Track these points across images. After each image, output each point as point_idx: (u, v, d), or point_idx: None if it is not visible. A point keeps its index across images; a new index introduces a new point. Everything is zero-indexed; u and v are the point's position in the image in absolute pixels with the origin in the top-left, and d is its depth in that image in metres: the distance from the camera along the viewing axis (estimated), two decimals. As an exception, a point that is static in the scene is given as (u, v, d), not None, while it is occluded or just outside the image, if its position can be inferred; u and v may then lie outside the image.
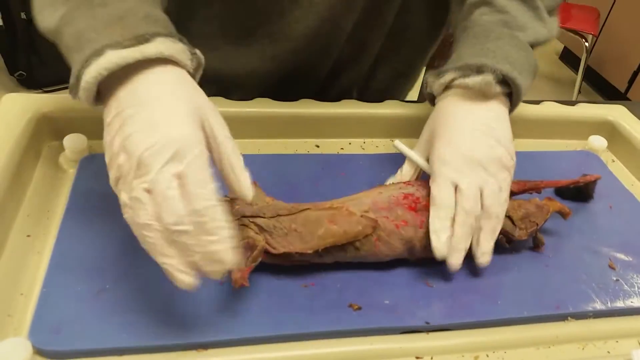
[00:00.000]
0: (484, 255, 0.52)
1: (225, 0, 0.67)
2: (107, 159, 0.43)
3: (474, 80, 0.56)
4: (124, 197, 0.41)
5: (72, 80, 0.44)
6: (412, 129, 0.72)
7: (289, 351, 0.46)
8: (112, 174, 0.43)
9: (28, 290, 0.48)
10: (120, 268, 0.49)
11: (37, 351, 0.43)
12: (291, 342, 0.46)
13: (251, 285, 0.49)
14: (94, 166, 0.59)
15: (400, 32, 0.75)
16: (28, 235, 0.52)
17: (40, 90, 2.24)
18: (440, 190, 0.52)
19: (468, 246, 0.52)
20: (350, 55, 0.74)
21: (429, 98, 0.63)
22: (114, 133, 0.42)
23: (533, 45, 0.62)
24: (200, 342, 0.45)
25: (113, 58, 0.42)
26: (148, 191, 0.40)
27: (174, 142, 0.40)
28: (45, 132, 0.61)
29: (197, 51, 0.48)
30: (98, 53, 0.42)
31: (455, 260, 0.51)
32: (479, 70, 0.56)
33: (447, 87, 0.59)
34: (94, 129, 0.61)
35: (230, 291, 0.48)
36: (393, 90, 0.85)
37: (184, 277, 0.40)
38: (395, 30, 0.74)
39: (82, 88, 0.43)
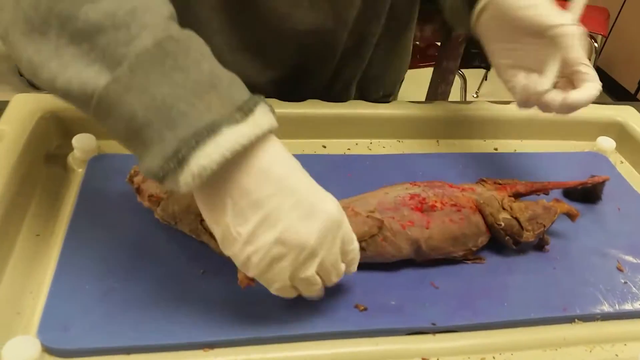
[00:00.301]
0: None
1: (225, 15, 0.66)
2: (238, 251, 0.41)
3: None
4: (280, 283, 0.42)
5: (163, 162, 0.36)
6: (419, 129, 0.73)
7: (294, 351, 0.46)
8: (257, 266, 0.41)
9: (37, 288, 0.48)
10: (128, 267, 0.50)
11: (46, 349, 0.43)
12: (297, 343, 0.47)
13: (257, 285, 0.49)
14: (102, 166, 0.59)
15: (395, 17, 0.75)
16: (37, 235, 0.52)
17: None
18: None
19: None
20: (352, 49, 0.74)
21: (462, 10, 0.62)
22: (254, 226, 0.39)
23: None
24: (206, 341, 0.45)
25: (234, 137, 0.36)
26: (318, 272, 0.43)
27: (335, 221, 0.41)
28: (55, 132, 0.62)
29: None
30: (211, 131, 0.36)
31: None
32: None
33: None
34: (103, 129, 0.62)
35: (237, 291, 0.48)
36: (391, 74, 0.85)
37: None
38: (391, 16, 0.74)
39: (195, 175, 0.36)
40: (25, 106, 0.60)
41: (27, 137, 0.56)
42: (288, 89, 0.74)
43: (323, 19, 0.67)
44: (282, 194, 0.39)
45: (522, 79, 0.57)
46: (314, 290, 0.45)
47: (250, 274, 0.42)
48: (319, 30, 0.68)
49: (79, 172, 0.59)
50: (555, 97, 0.55)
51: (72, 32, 0.36)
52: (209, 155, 0.35)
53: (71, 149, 0.61)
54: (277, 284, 0.42)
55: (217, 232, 0.41)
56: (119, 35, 0.36)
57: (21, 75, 2.26)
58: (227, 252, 0.42)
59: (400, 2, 0.75)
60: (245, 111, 0.37)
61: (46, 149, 0.61)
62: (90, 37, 0.36)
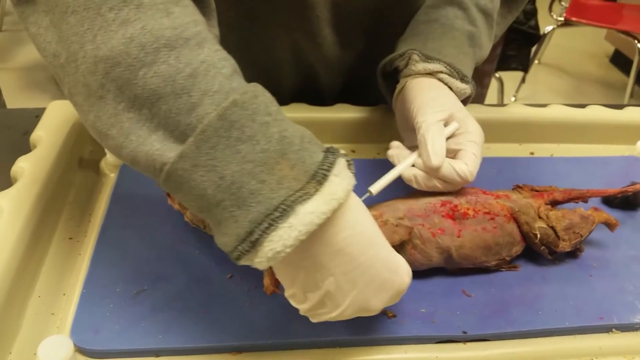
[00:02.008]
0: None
1: (239, 32, 0.66)
2: (305, 310, 0.41)
3: (457, 85, 0.58)
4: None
5: (235, 244, 0.35)
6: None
7: (323, 357, 0.46)
8: (319, 319, 0.42)
9: (70, 290, 0.49)
10: (158, 270, 0.50)
11: (78, 349, 0.44)
12: (325, 349, 0.46)
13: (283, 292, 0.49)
14: (134, 171, 0.60)
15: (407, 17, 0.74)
16: (70, 238, 0.54)
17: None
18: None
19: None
20: (363, 74, 0.73)
21: (385, 70, 0.63)
22: (324, 295, 0.40)
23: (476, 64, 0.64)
24: (235, 345, 0.45)
25: (309, 218, 0.35)
26: None
27: (402, 291, 0.42)
28: (88, 138, 0.63)
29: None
30: (284, 212, 0.34)
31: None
32: (464, 79, 0.59)
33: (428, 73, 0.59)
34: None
35: (265, 295, 0.48)
36: None
37: None
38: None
39: (269, 258, 0.35)
40: (61, 113, 0.62)
41: (61, 143, 0.58)
42: (306, 91, 0.74)
43: (332, 50, 0.68)
44: (358, 271, 0.39)
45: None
46: None
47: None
48: (327, 58, 0.69)
49: (111, 176, 0.61)
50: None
51: (131, 98, 0.35)
52: (282, 238, 0.34)
53: (104, 154, 0.62)
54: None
55: (287, 291, 0.41)
56: (180, 102, 0.35)
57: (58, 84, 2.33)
58: (295, 305, 0.42)
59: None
60: (319, 179, 0.36)
61: (80, 155, 0.62)
62: (150, 103, 0.35)
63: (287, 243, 0.35)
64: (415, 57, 0.59)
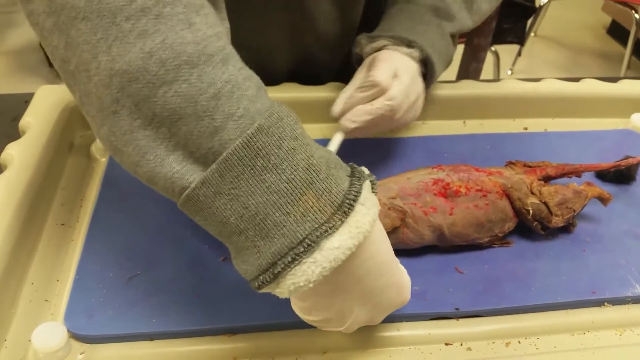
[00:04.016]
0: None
1: (235, 19, 0.65)
2: (313, 321, 0.41)
3: (403, 50, 0.58)
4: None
5: (257, 274, 0.35)
6: (445, 110, 0.71)
7: (316, 337, 0.46)
8: (325, 326, 0.42)
9: (64, 276, 0.49)
10: (150, 255, 0.50)
11: (72, 335, 0.44)
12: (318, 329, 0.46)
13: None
14: (125, 155, 0.60)
15: None
16: (62, 224, 0.54)
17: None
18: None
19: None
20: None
21: (355, 58, 0.65)
22: (342, 319, 0.40)
23: (455, 35, 0.65)
24: (229, 327, 0.46)
25: (335, 254, 0.34)
26: None
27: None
28: (78, 122, 0.63)
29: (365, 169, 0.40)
30: (309, 247, 0.33)
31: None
32: (409, 44, 0.58)
33: (376, 51, 0.61)
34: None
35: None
36: None
37: None
38: None
39: (291, 291, 0.35)
40: (49, 98, 0.61)
41: (51, 128, 0.57)
42: (302, 71, 0.73)
43: (332, 27, 0.68)
44: (371, 295, 0.40)
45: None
46: None
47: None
48: (328, 37, 0.69)
49: (102, 161, 0.60)
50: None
51: (148, 115, 0.33)
52: (305, 273, 0.34)
53: (94, 138, 0.62)
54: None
55: (295, 304, 0.41)
56: (202, 125, 0.33)
57: (51, 66, 2.30)
58: (297, 313, 0.42)
59: None
60: (345, 210, 0.34)
61: (70, 140, 0.62)
62: (169, 123, 0.33)
63: (310, 279, 0.34)
64: (362, 41, 0.62)
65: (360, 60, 0.63)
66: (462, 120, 0.73)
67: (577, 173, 0.59)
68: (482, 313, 0.49)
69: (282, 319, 0.46)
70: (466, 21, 0.66)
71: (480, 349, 0.46)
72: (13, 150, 0.54)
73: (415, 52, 0.58)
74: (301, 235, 0.33)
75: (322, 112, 0.68)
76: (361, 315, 0.41)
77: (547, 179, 0.57)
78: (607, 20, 3.14)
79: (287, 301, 0.47)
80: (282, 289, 0.35)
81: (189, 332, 0.45)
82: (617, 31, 3.06)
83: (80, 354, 0.43)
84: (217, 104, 0.33)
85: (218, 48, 0.34)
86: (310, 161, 0.34)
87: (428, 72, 0.60)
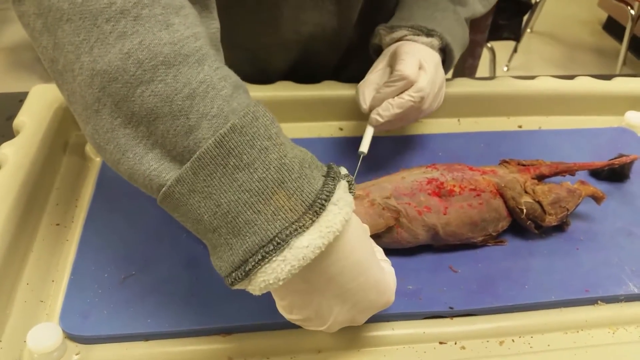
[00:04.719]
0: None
1: (225, 15, 0.65)
2: (296, 320, 0.41)
3: (423, 40, 0.60)
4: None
5: (231, 272, 0.35)
6: (440, 108, 0.71)
7: (311, 337, 0.46)
8: (307, 325, 0.41)
9: (59, 276, 0.49)
10: (145, 255, 0.50)
11: (67, 336, 0.44)
12: (313, 328, 0.47)
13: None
14: (120, 154, 0.60)
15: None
16: (57, 224, 0.54)
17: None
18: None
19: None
20: (358, 46, 0.73)
21: (373, 49, 0.66)
22: (322, 318, 0.40)
23: (468, 19, 0.68)
24: (224, 326, 0.46)
25: (304, 252, 0.34)
26: None
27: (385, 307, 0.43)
28: (72, 122, 0.63)
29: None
30: (278, 245, 0.34)
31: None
32: (429, 33, 0.61)
33: (396, 41, 0.62)
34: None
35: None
36: None
37: None
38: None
39: (262, 288, 0.35)
40: (44, 97, 0.61)
41: (45, 128, 0.57)
42: (290, 78, 0.73)
43: (327, 19, 0.67)
44: (347, 294, 0.39)
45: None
46: None
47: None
48: (323, 29, 0.68)
49: (97, 160, 0.60)
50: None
51: (128, 114, 0.34)
52: (275, 271, 0.34)
53: (89, 138, 0.61)
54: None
55: (277, 302, 0.41)
56: (178, 124, 0.34)
57: (48, 63, 2.29)
58: (281, 312, 0.42)
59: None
60: (316, 210, 0.35)
61: (64, 139, 0.62)
62: (147, 122, 0.34)
63: (280, 277, 0.34)
64: (381, 32, 0.63)
65: (378, 51, 0.64)
66: (456, 118, 0.73)
67: (570, 171, 0.59)
68: (476, 312, 0.49)
69: (276, 319, 0.46)
70: (477, 6, 0.68)
71: (474, 348, 0.47)
72: (7, 149, 0.54)
73: (435, 41, 0.60)
74: (271, 233, 0.34)
75: (318, 111, 0.68)
76: (341, 316, 0.40)
77: (540, 178, 0.58)
78: (603, 16, 3.15)
79: (281, 301, 0.47)
80: (253, 286, 0.35)
81: (184, 332, 0.45)
82: (612, 27, 3.06)
83: (76, 354, 0.43)
84: (191, 103, 0.34)
85: (194, 49, 0.35)
86: (282, 161, 0.35)
87: (447, 59, 0.63)
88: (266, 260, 0.34)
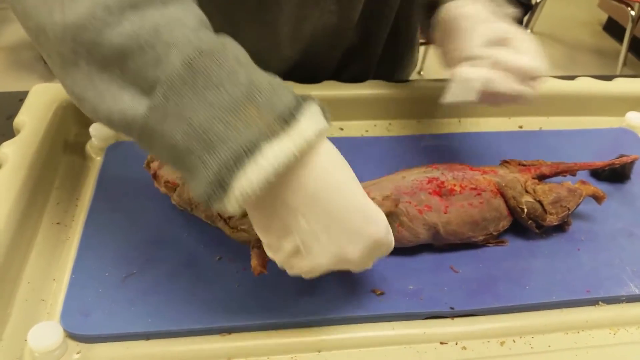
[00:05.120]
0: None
1: (225, 16, 0.65)
2: (281, 261, 0.41)
3: (505, 9, 0.57)
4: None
5: (206, 188, 0.35)
6: (440, 108, 0.71)
7: (311, 336, 0.46)
8: (298, 273, 0.41)
9: (59, 275, 0.49)
10: (146, 254, 0.50)
11: (68, 335, 0.44)
12: (313, 328, 0.47)
13: (274, 271, 0.49)
14: (120, 153, 0.60)
15: (402, 18, 0.74)
16: (58, 223, 0.54)
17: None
18: None
19: None
20: (359, 46, 0.73)
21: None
22: (300, 243, 0.39)
23: None
24: (223, 326, 0.46)
25: (277, 158, 0.34)
26: None
27: (378, 241, 0.40)
28: (73, 121, 0.63)
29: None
30: (250, 150, 0.34)
31: None
32: (513, 3, 0.58)
33: None
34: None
35: (253, 277, 0.48)
36: (398, 74, 0.84)
37: None
38: (399, 17, 0.73)
39: (239, 200, 0.35)
40: (44, 96, 0.61)
41: (45, 127, 0.57)
42: (288, 79, 0.73)
43: (328, 18, 0.66)
44: (330, 217, 0.38)
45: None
46: None
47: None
48: (323, 27, 0.67)
49: (97, 160, 0.60)
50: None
51: (100, 59, 0.36)
52: (250, 180, 0.34)
53: (89, 137, 0.61)
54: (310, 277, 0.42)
55: (262, 240, 0.41)
56: (147, 57, 0.35)
57: (46, 63, 2.29)
58: (271, 256, 0.42)
59: (409, 8, 0.74)
60: (286, 119, 0.35)
61: (65, 138, 0.62)
62: (119, 62, 0.36)
63: (254, 185, 0.34)
64: None
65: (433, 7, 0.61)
66: (457, 118, 0.73)
67: (571, 172, 0.59)
68: (477, 312, 0.49)
69: (276, 318, 0.46)
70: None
71: (475, 348, 0.47)
72: (8, 149, 0.54)
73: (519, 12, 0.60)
74: (243, 142, 0.34)
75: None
76: (327, 244, 0.39)
77: (541, 178, 0.58)
78: (603, 16, 3.15)
79: (281, 301, 0.47)
80: (230, 200, 0.35)
81: (184, 331, 0.45)
82: (613, 28, 3.06)
83: (77, 353, 0.43)
84: (157, 35, 0.35)
85: None
86: (252, 78, 0.36)
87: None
88: (240, 169, 0.34)
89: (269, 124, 0.34)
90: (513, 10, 0.57)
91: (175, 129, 0.35)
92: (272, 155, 0.34)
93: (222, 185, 0.34)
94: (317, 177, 0.37)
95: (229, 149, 0.34)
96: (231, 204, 0.35)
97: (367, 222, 0.39)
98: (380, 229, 0.40)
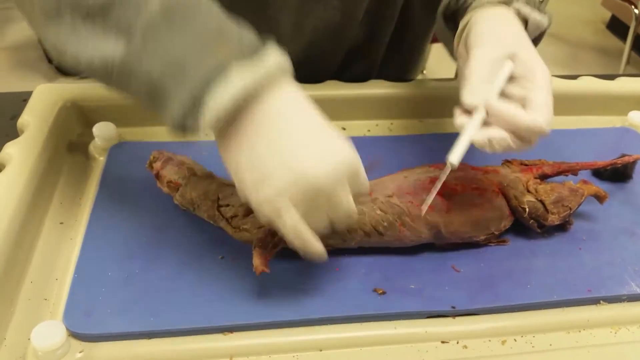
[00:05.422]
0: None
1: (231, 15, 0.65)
2: (251, 197, 0.41)
3: (534, 15, 0.53)
4: (291, 223, 0.40)
5: (181, 109, 0.37)
6: (442, 108, 0.71)
7: (313, 335, 0.46)
8: (271, 209, 0.40)
9: (62, 275, 0.49)
10: (148, 253, 0.51)
11: (71, 334, 0.44)
12: (316, 327, 0.47)
13: (276, 271, 0.49)
14: (123, 153, 0.60)
15: (407, 19, 0.73)
16: (61, 223, 0.54)
17: (77, 77, 2.29)
18: None
19: None
20: (362, 45, 0.73)
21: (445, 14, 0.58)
22: (266, 171, 0.39)
23: None
24: (226, 325, 0.46)
25: (243, 81, 0.37)
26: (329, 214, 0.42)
27: (346, 163, 0.40)
28: (76, 121, 0.63)
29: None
30: (219, 72, 0.37)
31: None
32: (542, 11, 0.54)
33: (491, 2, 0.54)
34: (123, 117, 0.63)
35: (255, 276, 0.49)
36: (403, 77, 0.84)
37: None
38: (404, 17, 0.73)
39: (209, 122, 0.37)
40: (47, 97, 0.61)
41: (49, 127, 0.58)
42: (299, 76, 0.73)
43: (331, 14, 0.66)
44: (291, 138, 0.39)
45: None
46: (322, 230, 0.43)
47: (264, 220, 0.42)
48: (326, 23, 0.67)
49: (101, 160, 0.60)
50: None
51: (84, 12, 0.39)
52: (218, 100, 0.37)
53: (92, 137, 0.62)
54: (289, 224, 0.41)
55: (233, 177, 0.42)
56: (128, 6, 0.38)
57: (50, 62, 2.29)
58: (242, 197, 0.42)
59: (414, 9, 0.73)
60: (253, 51, 0.38)
61: (68, 138, 0.62)
62: (101, 13, 0.39)
63: (225, 101, 0.37)
64: None
65: (454, 14, 0.57)
66: (459, 118, 0.73)
67: (573, 171, 0.59)
68: (479, 311, 0.49)
69: (278, 317, 0.46)
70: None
71: (476, 347, 0.47)
72: (12, 149, 0.54)
73: (545, 21, 0.54)
74: (214, 65, 0.37)
75: (320, 110, 0.68)
76: (288, 162, 0.39)
77: (543, 177, 0.58)
78: (607, 15, 3.14)
79: (283, 300, 0.47)
80: (205, 116, 0.37)
81: (187, 330, 0.45)
82: (616, 26, 3.05)
83: (79, 352, 0.44)
84: None
85: None
86: (222, 18, 0.40)
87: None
88: (210, 90, 0.37)
89: (237, 54, 0.38)
90: (540, 19, 0.53)
91: (152, 64, 0.38)
92: (238, 80, 0.37)
93: (195, 103, 0.37)
94: (280, 103, 0.39)
95: (201, 71, 0.37)
96: (205, 120, 0.37)
97: (331, 143, 0.40)
98: (345, 149, 0.41)
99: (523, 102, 0.47)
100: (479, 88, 0.46)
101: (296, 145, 0.39)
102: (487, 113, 0.46)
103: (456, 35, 0.55)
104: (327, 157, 0.39)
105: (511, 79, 0.48)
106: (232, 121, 0.39)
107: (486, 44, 0.48)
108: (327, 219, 0.42)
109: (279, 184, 0.39)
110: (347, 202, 0.41)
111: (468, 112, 0.48)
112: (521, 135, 0.46)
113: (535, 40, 0.55)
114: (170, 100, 0.38)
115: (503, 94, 0.47)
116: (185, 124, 0.38)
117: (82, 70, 0.41)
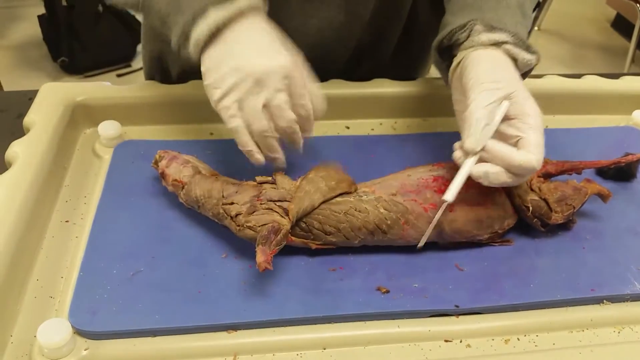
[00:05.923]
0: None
1: None
2: (212, 81, 0.50)
3: (523, 55, 0.55)
4: (233, 110, 0.50)
5: (177, 39, 0.51)
6: (446, 107, 0.71)
7: (317, 333, 0.46)
8: (219, 93, 0.50)
9: (68, 273, 0.50)
10: (153, 251, 0.51)
11: (77, 331, 0.45)
12: (319, 325, 0.47)
13: (280, 269, 0.49)
14: (128, 152, 0.61)
15: (415, 19, 0.73)
16: (66, 221, 0.54)
17: (82, 76, 2.30)
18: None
19: None
20: (369, 45, 0.73)
21: (439, 47, 0.59)
22: (221, 74, 0.50)
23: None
24: (230, 323, 0.46)
25: (214, 17, 0.49)
26: (264, 105, 0.50)
27: (282, 66, 0.50)
28: (81, 120, 0.63)
29: None
30: (202, 12, 0.49)
31: None
32: (529, 49, 0.56)
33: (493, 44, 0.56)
34: (128, 115, 0.63)
35: (259, 274, 0.49)
36: (413, 76, 0.84)
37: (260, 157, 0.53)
38: (412, 18, 0.73)
39: (195, 44, 0.50)
40: (53, 95, 0.62)
41: (55, 126, 0.58)
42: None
43: (335, 13, 0.66)
44: (245, 51, 0.50)
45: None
46: (267, 134, 0.51)
47: (227, 115, 0.51)
48: (331, 23, 0.67)
49: (106, 158, 0.61)
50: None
51: None
52: (202, 29, 0.49)
53: (98, 136, 0.62)
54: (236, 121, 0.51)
55: (204, 85, 0.51)
56: None
57: (54, 60, 2.30)
58: (209, 97, 0.51)
59: (422, 10, 0.73)
60: None
61: (74, 137, 0.62)
62: None
63: (205, 32, 0.49)
64: (478, 27, 0.55)
65: (450, 47, 0.58)
66: (463, 117, 0.73)
67: (577, 170, 0.59)
68: (482, 310, 0.49)
69: (282, 315, 0.47)
70: (530, 22, 0.63)
71: (479, 346, 0.47)
72: (18, 147, 0.55)
73: (533, 60, 0.56)
74: (199, 7, 0.49)
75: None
76: (239, 60, 0.49)
77: (547, 176, 0.58)
78: (612, 13, 3.13)
79: (286, 298, 0.47)
80: (191, 44, 0.50)
81: (191, 328, 0.46)
82: (621, 25, 3.04)
83: (85, 349, 0.44)
84: None
85: None
86: None
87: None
88: (195, 22, 0.49)
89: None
90: (530, 58, 0.55)
91: (160, 4, 0.53)
92: (215, 15, 0.49)
93: (186, 36, 0.50)
94: (244, 29, 0.51)
95: (191, 11, 0.49)
96: (191, 46, 0.51)
97: (271, 52, 0.51)
98: (285, 58, 0.50)
99: (516, 141, 0.50)
100: (481, 134, 0.49)
101: (247, 54, 0.50)
102: (485, 150, 0.50)
103: (450, 70, 0.58)
104: (266, 60, 0.50)
105: (505, 117, 0.51)
106: (210, 45, 0.51)
107: (483, 89, 0.51)
108: (268, 115, 0.51)
109: (229, 80, 0.49)
110: (280, 98, 0.50)
111: None
112: (514, 171, 0.49)
113: (524, 75, 0.58)
114: (172, 33, 0.52)
115: (498, 131, 0.51)
116: (180, 48, 0.52)
117: (123, 4, 0.58)
